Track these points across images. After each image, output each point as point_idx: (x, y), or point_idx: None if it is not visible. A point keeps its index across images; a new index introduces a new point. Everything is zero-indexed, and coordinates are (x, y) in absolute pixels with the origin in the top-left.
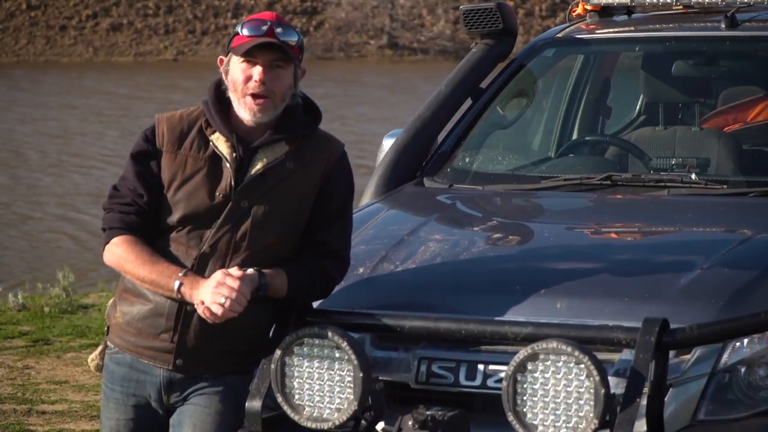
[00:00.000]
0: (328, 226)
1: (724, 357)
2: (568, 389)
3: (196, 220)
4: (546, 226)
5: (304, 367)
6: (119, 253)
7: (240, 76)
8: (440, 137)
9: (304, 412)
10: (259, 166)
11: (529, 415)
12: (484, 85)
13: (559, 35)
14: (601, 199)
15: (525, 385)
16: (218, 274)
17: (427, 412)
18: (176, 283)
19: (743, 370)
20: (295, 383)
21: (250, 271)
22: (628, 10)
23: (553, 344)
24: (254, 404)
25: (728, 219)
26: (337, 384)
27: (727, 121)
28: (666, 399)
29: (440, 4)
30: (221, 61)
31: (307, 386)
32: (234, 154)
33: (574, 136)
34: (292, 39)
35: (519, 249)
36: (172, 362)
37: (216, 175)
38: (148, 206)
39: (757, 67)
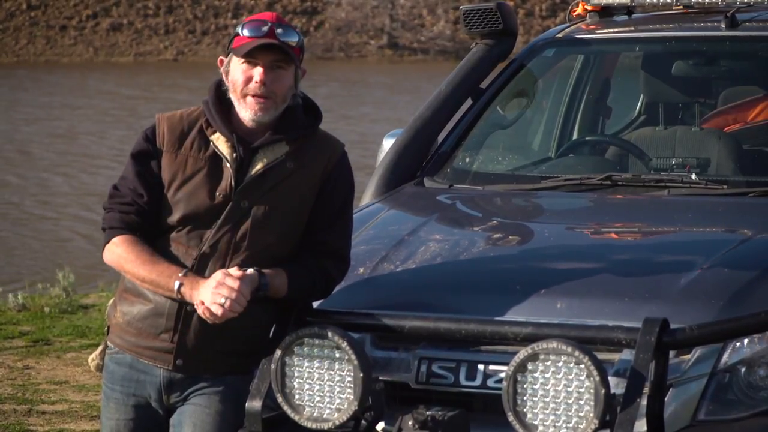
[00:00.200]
0: (328, 226)
1: (725, 357)
2: (569, 389)
3: (196, 220)
4: (546, 226)
5: (304, 367)
6: (119, 252)
7: (241, 77)
8: (440, 137)
9: (304, 412)
10: (259, 166)
11: (529, 415)
12: (484, 85)
13: (560, 35)
14: (601, 199)
15: (525, 385)
16: (218, 274)
17: (428, 412)
18: (176, 283)
19: (743, 370)
20: (295, 383)
21: (250, 271)
22: (628, 10)
23: (553, 344)
24: (254, 404)
25: (728, 219)
26: (337, 384)
27: (727, 121)
28: (666, 399)
29: (440, 4)
30: (221, 61)
31: (307, 386)
32: (234, 155)
33: (574, 136)
34: (293, 40)
35: (519, 249)
36: (172, 362)
37: (216, 175)
38: (149, 206)
39: (757, 67)
